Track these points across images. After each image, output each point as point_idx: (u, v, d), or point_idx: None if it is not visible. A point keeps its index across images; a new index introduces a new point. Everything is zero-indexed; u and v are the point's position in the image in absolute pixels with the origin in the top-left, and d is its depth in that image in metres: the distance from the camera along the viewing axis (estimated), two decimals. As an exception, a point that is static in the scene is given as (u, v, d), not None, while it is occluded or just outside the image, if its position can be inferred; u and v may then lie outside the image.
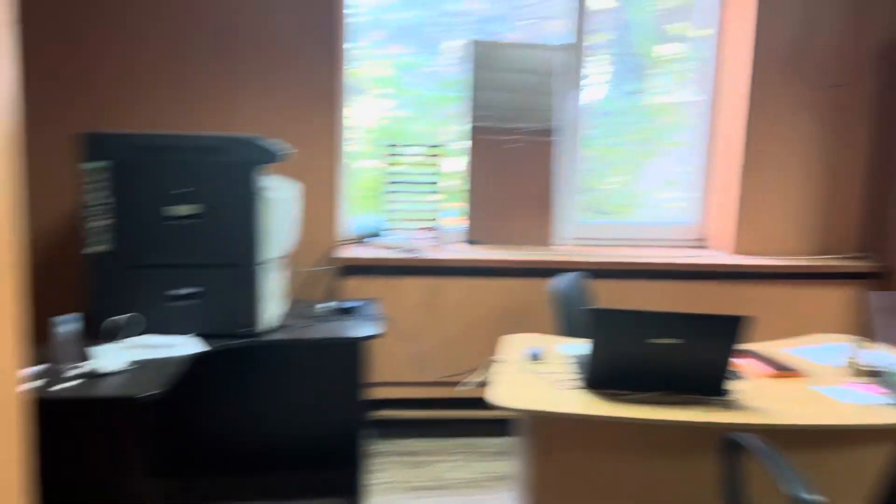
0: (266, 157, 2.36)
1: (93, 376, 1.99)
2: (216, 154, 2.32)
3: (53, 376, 1.97)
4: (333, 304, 2.77)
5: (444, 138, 3.51)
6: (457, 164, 3.44)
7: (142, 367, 2.08)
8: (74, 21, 2.90)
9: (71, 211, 2.89)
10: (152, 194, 2.30)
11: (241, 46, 3.00)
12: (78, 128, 2.36)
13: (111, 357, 2.09)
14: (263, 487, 2.74)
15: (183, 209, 2.33)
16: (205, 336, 2.35)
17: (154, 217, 2.31)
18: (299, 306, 2.79)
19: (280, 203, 2.50)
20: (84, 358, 2.08)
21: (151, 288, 2.34)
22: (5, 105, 1.22)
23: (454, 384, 3.10)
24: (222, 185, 2.33)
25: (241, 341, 2.36)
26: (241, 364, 2.75)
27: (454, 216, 3.46)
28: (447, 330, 3.19)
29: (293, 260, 2.97)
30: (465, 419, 3.21)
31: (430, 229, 3.36)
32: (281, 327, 2.52)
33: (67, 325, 2.10)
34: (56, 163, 2.80)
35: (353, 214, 3.40)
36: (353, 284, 3.11)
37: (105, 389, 1.92)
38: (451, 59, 3.52)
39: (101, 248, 2.30)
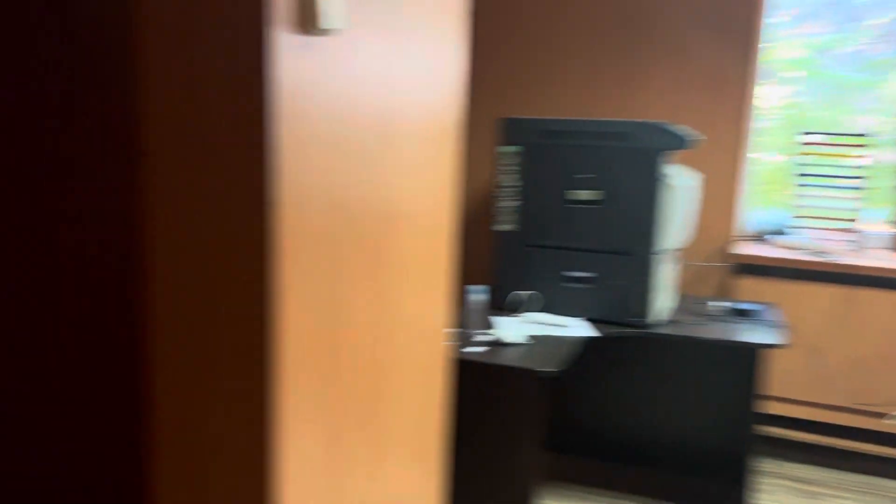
0: (673, 144, 2.27)
1: (497, 344, 2.13)
2: (621, 140, 2.30)
3: (464, 339, 2.16)
4: (727, 303, 2.57)
5: (866, 127, 3.00)
6: (886, 157, 2.92)
7: (539, 342, 2.17)
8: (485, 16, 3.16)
9: (486, 189, 3.16)
10: (557, 178, 2.39)
11: (651, 28, 2.94)
12: (492, 113, 2.55)
13: (512, 329, 2.22)
14: (639, 481, 2.68)
15: (584, 194, 2.37)
16: (593, 321, 2.36)
17: (557, 200, 2.39)
18: (688, 301, 2.65)
19: (681, 192, 2.39)
20: (489, 326, 2.25)
21: (549, 268, 2.44)
22: (458, 91, 1.34)
23: (868, 413, 2.66)
24: (625, 171, 2.30)
25: (631, 331, 2.33)
26: (625, 353, 2.72)
27: (879, 218, 2.96)
28: (863, 350, 2.73)
29: (685, 253, 2.84)
30: (874, 455, 2.73)
31: (846, 231, 2.92)
32: (671, 321, 2.42)
33: (477, 294, 2.29)
34: (477, 144, 3.07)
35: (753, 208, 3.12)
36: (748, 285, 2.86)
37: (508, 359, 2.04)
38: (877, 36, 3.00)
39: (509, 226, 2.46)
